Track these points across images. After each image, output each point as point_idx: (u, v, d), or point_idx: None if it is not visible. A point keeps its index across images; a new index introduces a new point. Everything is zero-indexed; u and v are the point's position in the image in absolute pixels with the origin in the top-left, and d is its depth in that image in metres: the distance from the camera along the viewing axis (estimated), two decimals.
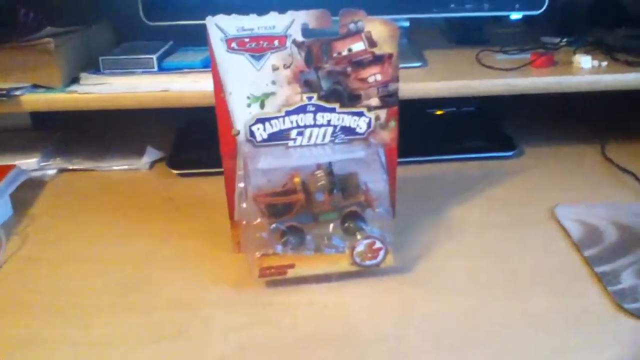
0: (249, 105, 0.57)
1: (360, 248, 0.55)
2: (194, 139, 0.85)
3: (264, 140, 0.59)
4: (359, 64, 0.57)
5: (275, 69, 0.56)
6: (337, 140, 0.59)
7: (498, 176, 0.77)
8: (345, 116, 0.58)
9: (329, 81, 0.57)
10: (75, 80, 0.76)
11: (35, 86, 0.74)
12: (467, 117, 0.91)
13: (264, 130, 0.58)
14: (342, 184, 0.57)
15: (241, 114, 0.58)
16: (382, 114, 0.59)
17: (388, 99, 0.58)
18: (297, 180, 0.56)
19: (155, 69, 0.78)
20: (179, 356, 0.47)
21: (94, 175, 0.78)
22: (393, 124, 0.60)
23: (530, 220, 0.67)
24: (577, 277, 0.56)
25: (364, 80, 0.58)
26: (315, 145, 0.59)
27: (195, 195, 0.72)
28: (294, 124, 0.59)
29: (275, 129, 0.59)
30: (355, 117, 0.59)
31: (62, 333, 0.50)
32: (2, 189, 0.67)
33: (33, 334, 0.50)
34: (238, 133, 0.58)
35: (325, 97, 0.58)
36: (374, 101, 0.58)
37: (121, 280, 0.57)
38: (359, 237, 0.55)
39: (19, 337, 0.49)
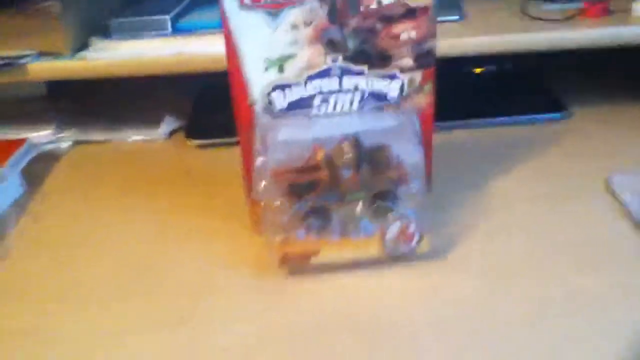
0: (266, 70, 0.51)
1: (391, 233, 0.50)
2: (213, 106, 0.79)
3: (283, 110, 0.53)
4: (389, 18, 0.50)
5: (294, 27, 0.50)
6: (365, 108, 0.53)
7: (544, 142, 0.69)
8: (375, 80, 0.52)
9: (356, 40, 0.50)
10: (84, 46, 0.71)
11: (42, 54, 0.69)
12: (508, 75, 0.84)
13: (284, 98, 0.52)
14: (370, 158, 0.51)
15: (258, 81, 0.52)
16: (417, 76, 0.52)
17: (423, 59, 0.52)
18: (320, 154, 0.50)
19: (169, 30, 0.71)
20: (196, 343, 0.43)
21: (110, 146, 0.73)
22: (429, 87, 0.53)
23: (582, 192, 0.60)
24: (637, 257, 0.50)
25: (395, 37, 0.51)
26: (342, 114, 0.53)
27: (215, 168, 0.67)
28: (317, 90, 0.52)
29: (296, 97, 0.52)
30: (387, 81, 0.52)
31: (67, 320, 0.46)
32: (12, 166, 0.64)
33: (36, 320, 0.47)
34: (255, 102, 0.52)
35: (352, 59, 0.51)
36: (407, 62, 0.52)
37: (132, 263, 0.53)
38: (390, 219, 0.50)
39: (24, 322, 0.47)
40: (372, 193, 0.50)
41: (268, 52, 0.51)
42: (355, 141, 0.50)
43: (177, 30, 0.72)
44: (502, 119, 0.74)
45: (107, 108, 0.82)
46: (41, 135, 0.74)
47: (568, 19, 0.70)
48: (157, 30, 0.71)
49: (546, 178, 0.62)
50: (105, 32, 0.72)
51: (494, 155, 0.67)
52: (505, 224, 0.55)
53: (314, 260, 0.50)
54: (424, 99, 0.53)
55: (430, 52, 0.51)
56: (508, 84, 0.82)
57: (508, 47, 0.67)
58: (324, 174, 0.50)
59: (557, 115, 0.75)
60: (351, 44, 0.51)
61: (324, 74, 0.52)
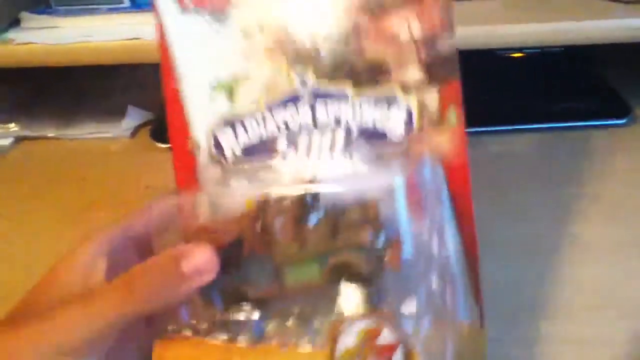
0: (212, 99, 0.36)
1: (348, 341, 0.26)
2: None
3: (238, 158, 0.35)
4: (380, 7, 0.32)
5: (246, 34, 0.35)
6: (354, 154, 0.33)
7: (607, 156, 0.47)
8: (366, 106, 0.33)
9: (334, 46, 0.33)
10: (15, 23, 0.55)
11: None
12: (556, 62, 0.64)
13: (236, 138, 0.36)
14: (336, 212, 0.29)
15: (201, 114, 0.36)
16: (431, 97, 0.32)
17: (439, 67, 0.32)
18: (250, 203, 0.30)
19: (127, 4, 0.56)
20: None
21: (60, 145, 0.57)
22: (455, 115, 0.32)
23: None
24: None
25: (391, 36, 0.32)
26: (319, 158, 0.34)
27: None
28: (281, 127, 0.35)
29: (253, 138, 0.35)
30: (383, 108, 0.33)
31: None
32: None
33: None
34: (197, 146, 0.36)
35: (329, 75, 0.34)
36: (413, 72, 0.32)
37: None
38: (351, 317, 0.26)
39: None
40: (327, 266, 0.28)
41: (214, 71, 0.36)
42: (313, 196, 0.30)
43: (136, 6, 0.56)
44: (546, 125, 0.55)
45: (59, 95, 0.65)
46: None
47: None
48: (110, 3, 0.55)
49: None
50: (42, 4, 0.57)
51: (540, 176, 0.46)
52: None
53: None
54: (448, 137, 0.32)
55: (448, 56, 0.31)
56: (554, 74, 0.63)
57: (561, 39, 0.47)
58: (247, 232, 0.29)
59: (621, 120, 0.54)
60: (326, 53, 0.33)
61: (289, 100, 0.34)
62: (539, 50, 0.64)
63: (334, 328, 0.27)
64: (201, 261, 0.26)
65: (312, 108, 0.34)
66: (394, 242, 0.29)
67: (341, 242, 0.28)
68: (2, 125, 0.58)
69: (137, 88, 0.65)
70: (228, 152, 0.35)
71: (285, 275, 0.28)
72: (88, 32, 0.52)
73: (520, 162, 0.50)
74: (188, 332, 0.28)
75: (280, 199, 0.29)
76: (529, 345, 0.35)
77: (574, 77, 0.62)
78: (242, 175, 0.35)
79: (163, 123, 0.60)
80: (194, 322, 0.28)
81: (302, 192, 0.30)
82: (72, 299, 0.26)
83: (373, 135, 0.33)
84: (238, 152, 0.35)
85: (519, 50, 0.62)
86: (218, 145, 0.36)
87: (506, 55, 0.62)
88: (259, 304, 0.28)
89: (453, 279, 0.31)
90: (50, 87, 0.65)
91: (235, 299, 0.29)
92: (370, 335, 0.26)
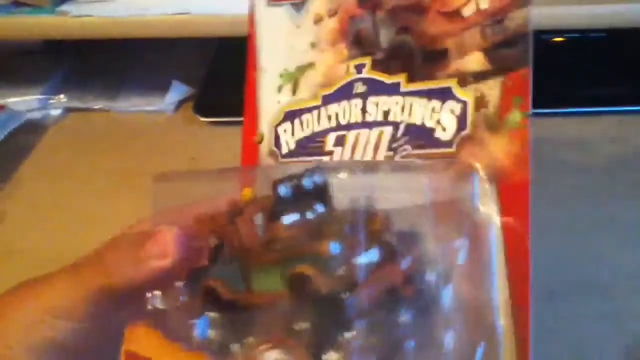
0: (279, 90, 0.34)
1: None
2: (232, 73, 0.53)
3: (290, 153, 0.32)
4: None
5: (317, 20, 0.32)
6: (398, 155, 0.27)
7: None
8: (416, 101, 0.27)
9: (392, 29, 0.28)
10: None
11: (18, 4, 0.54)
12: (599, 47, 0.59)
13: (292, 134, 0.33)
14: (325, 216, 0.24)
15: (269, 105, 0.34)
16: (492, 90, 0.24)
17: (506, 50, 0.24)
18: (246, 192, 0.27)
19: None
20: None
21: (106, 118, 0.58)
22: (517, 116, 0.24)
23: None
24: None
25: (453, 14, 0.26)
26: (359, 164, 0.29)
27: (227, 155, 0.46)
28: (332, 122, 0.31)
29: (306, 132, 0.32)
30: (433, 102, 0.26)
31: None
32: None
33: None
34: (262, 139, 0.34)
35: (385, 63, 0.28)
36: (475, 61, 0.25)
37: None
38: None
39: None
40: (287, 276, 0.23)
41: (286, 61, 0.33)
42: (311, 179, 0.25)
43: None
44: (595, 108, 0.52)
45: (108, 68, 0.64)
46: (25, 101, 0.58)
47: None
48: None
49: None
50: None
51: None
52: None
53: None
54: (506, 142, 0.24)
55: (519, 37, 0.24)
56: (598, 59, 0.58)
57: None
58: (222, 225, 0.25)
59: None
60: (385, 37, 0.29)
61: (343, 92, 0.30)
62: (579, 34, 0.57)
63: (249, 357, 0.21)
64: (161, 245, 0.24)
65: (364, 100, 0.29)
66: (395, 264, 0.23)
67: (304, 248, 0.22)
68: (52, 97, 0.59)
69: (182, 63, 0.64)
70: (284, 146, 0.33)
71: (252, 279, 0.24)
72: (143, 6, 0.53)
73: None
74: (153, 321, 0.25)
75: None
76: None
77: (617, 62, 0.58)
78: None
79: (206, 98, 0.59)
80: (162, 309, 0.26)
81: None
82: (66, 267, 0.26)
83: (421, 135, 0.26)
84: (292, 146, 0.32)
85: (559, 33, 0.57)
86: (277, 139, 0.33)
87: (549, 39, 0.56)
88: (226, 307, 0.24)
89: (488, 334, 0.23)
90: (99, 60, 0.65)
91: (209, 298, 0.25)
92: None
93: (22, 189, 0.49)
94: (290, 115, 0.33)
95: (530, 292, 0.23)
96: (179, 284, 0.26)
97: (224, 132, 0.54)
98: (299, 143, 0.32)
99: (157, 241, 0.24)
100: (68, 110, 0.59)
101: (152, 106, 0.59)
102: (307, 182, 0.25)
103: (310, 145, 0.31)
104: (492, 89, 0.24)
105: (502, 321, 0.23)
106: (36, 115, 0.58)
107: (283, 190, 0.24)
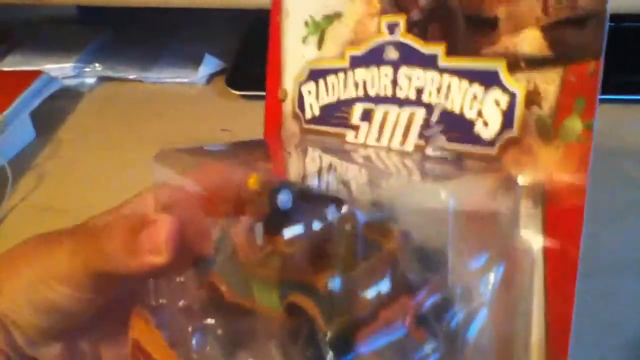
0: (304, 41, 0.29)
1: None
2: (264, 47, 0.52)
3: (314, 119, 0.28)
4: None
5: None
6: (430, 146, 0.23)
7: None
8: (453, 80, 0.22)
9: None
10: None
11: None
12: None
13: (317, 97, 0.28)
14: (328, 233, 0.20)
15: (293, 59, 0.30)
16: (548, 82, 0.19)
17: (571, 33, 0.18)
18: (252, 181, 0.23)
19: None
20: None
21: (140, 88, 0.59)
22: (577, 124, 0.18)
23: None
24: None
25: None
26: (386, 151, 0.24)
27: (259, 128, 0.45)
28: (360, 91, 0.26)
29: (331, 98, 0.27)
30: (474, 87, 0.21)
31: None
32: (21, 106, 0.49)
33: None
34: (285, 97, 0.30)
35: (421, 25, 0.23)
36: (531, 38, 0.19)
37: None
38: None
39: None
40: (285, 302, 0.20)
41: (313, 5, 0.28)
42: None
43: None
44: None
45: (142, 39, 0.65)
46: (61, 68, 0.59)
47: None
48: None
49: None
50: None
51: None
52: None
53: None
54: (561, 156, 0.19)
55: (591, 17, 0.18)
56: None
57: None
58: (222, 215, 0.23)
59: None
60: None
61: (372, 55, 0.25)
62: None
63: None
64: (156, 240, 0.22)
65: (395, 70, 0.24)
66: (409, 297, 0.19)
67: (302, 275, 0.19)
68: (87, 65, 0.61)
69: (216, 36, 0.64)
70: (307, 110, 0.29)
71: (253, 288, 0.22)
72: None
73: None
74: (154, 315, 0.24)
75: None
76: None
77: None
78: (314, 138, 0.28)
79: (238, 71, 0.58)
80: (164, 305, 0.24)
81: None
82: (67, 232, 0.25)
83: (458, 126, 0.22)
84: (316, 111, 0.28)
85: None
86: (301, 100, 0.29)
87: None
88: (228, 311, 0.22)
89: None
90: (134, 31, 0.66)
91: (213, 298, 0.23)
92: None
93: (60, 151, 0.50)
94: (315, 75, 0.28)
95: (570, 337, 0.19)
96: (181, 279, 0.24)
97: (256, 105, 0.52)
98: (324, 109, 0.28)
99: (152, 235, 0.22)
100: (102, 79, 0.61)
101: (185, 78, 0.60)
102: (314, 187, 0.21)
103: (336, 114, 0.27)
104: (549, 82, 0.19)
105: None
106: (71, 82, 0.59)
107: (283, 200, 0.21)
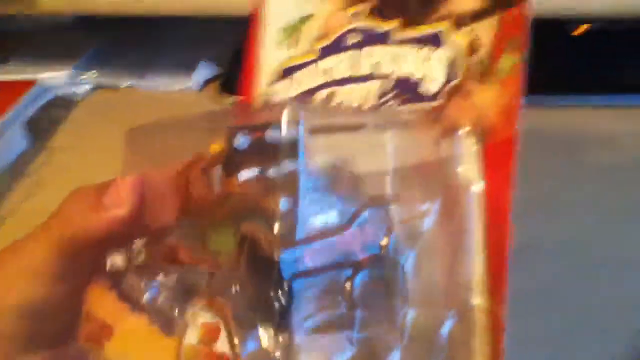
0: (280, 44, 0.31)
1: (191, 337, 0.18)
2: None
3: None
4: None
5: None
6: (386, 109, 0.24)
7: None
8: (406, 50, 0.24)
9: None
10: None
11: None
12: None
13: (288, 91, 0.30)
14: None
15: (269, 62, 0.32)
16: (487, 29, 0.21)
17: None
18: (213, 147, 0.24)
19: None
20: None
21: (134, 95, 0.59)
22: (509, 60, 0.20)
23: None
24: None
25: None
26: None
27: None
28: (328, 77, 0.28)
29: (301, 88, 0.29)
30: (424, 50, 0.23)
31: None
32: (16, 115, 0.50)
33: None
34: (260, 98, 0.32)
35: (380, 8, 0.25)
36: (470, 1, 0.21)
37: None
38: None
39: None
40: (238, 236, 0.20)
41: (288, 12, 0.31)
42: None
43: None
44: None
45: (137, 46, 0.65)
46: (56, 76, 0.59)
47: None
48: None
49: None
50: None
51: None
52: None
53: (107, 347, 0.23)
54: (495, 93, 0.20)
55: None
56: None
57: None
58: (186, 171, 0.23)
59: None
60: None
61: (339, 44, 0.27)
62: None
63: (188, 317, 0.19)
64: (119, 193, 0.23)
65: (359, 52, 0.26)
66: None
67: (255, 204, 0.20)
68: (83, 73, 0.60)
69: (210, 43, 0.64)
70: None
71: (208, 239, 0.22)
72: None
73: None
74: (111, 281, 0.24)
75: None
76: None
77: None
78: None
79: (232, 78, 0.58)
80: (120, 269, 0.24)
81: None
82: (40, 224, 0.25)
83: (408, 89, 0.23)
84: None
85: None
86: (274, 99, 0.31)
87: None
88: (183, 271, 0.22)
89: (459, 312, 0.19)
90: (128, 38, 0.66)
91: (168, 259, 0.23)
92: (209, 337, 0.18)
93: (55, 158, 0.51)
94: (287, 72, 0.30)
95: (507, 267, 0.19)
96: (139, 241, 0.24)
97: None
98: (294, 99, 0.29)
99: (115, 192, 0.23)
100: (97, 86, 0.61)
101: (179, 85, 0.60)
102: (273, 135, 0.22)
103: (304, 100, 0.29)
104: (487, 29, 0.21)
105: (477, 299, 0.19)
106: (66, 90, 0.59)
107: (240, 141, 0.22)
